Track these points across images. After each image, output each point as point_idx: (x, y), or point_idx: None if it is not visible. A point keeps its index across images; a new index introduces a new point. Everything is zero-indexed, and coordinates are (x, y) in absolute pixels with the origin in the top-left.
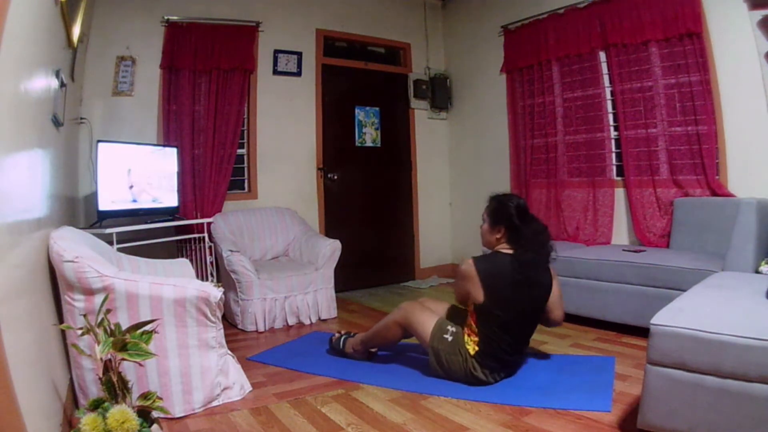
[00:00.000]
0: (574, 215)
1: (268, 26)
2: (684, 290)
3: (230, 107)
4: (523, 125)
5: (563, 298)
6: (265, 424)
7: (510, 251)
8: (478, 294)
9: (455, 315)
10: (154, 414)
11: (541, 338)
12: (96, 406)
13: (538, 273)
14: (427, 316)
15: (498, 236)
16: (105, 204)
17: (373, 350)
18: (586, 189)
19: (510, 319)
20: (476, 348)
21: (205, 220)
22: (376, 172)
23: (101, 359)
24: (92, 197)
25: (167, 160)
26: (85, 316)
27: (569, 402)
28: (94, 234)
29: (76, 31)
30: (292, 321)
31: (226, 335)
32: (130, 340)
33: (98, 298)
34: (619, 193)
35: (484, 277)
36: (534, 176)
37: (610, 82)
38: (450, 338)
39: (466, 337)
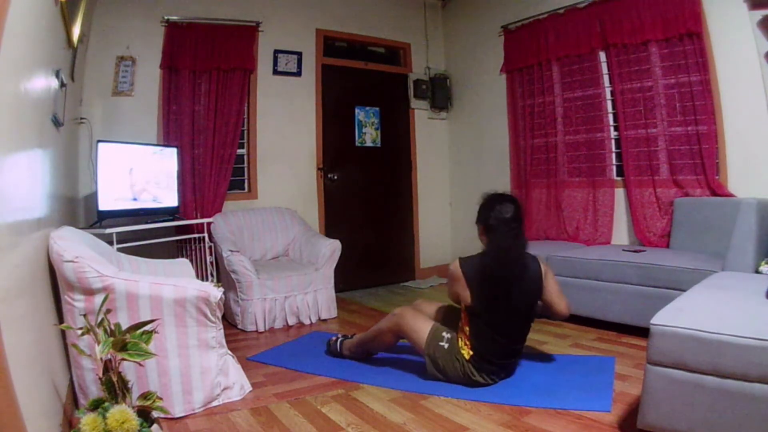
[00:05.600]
0: (574, 215)
1: (268, 26)
2: (684, 290)
3: (230, 107)
4: (523, 125)
5: (564, 293)
6: (265, 424)
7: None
8: (466, 296)
9: (450, 318)
10: (154, 414)
11: (541, 338)
12: (96, 406)
13: (523, 269)
14: (421, 323)
15: (480, 234)
16: (105, 204)
17: (369, 353)
18: (586, 189)
19: (500, 319)
20: (470, 352)
21: (205, 220)
22: (376, 172)
23: (101, 359)
24: (92, 197)
25: (167, 160)
26: (85, 316)
27: (569, 402)
28: (94, 234)
29: (76, 31)
30: (292, 321)
31: (226, 335)
32: (130, 340)
33: (98, 298)
34: (619, 193)
35: (470, 277)
36: (534, 176)
37: (610, 82)
38: (446, 345)
39: (460, 342)
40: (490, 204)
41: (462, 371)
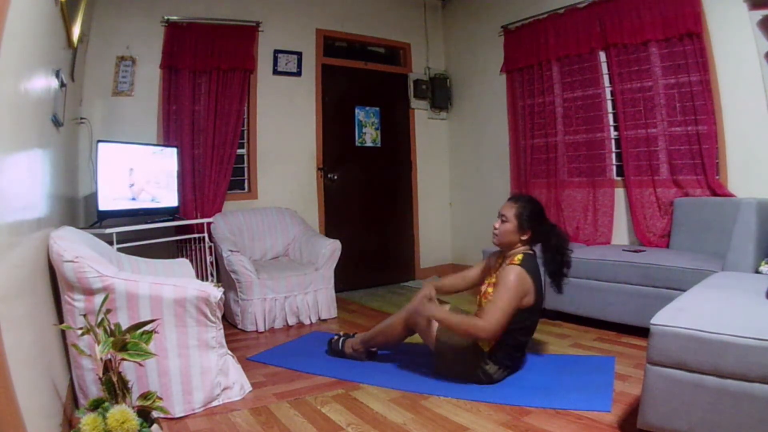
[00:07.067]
0: (574, 215)
1: (268, 26)
2: (684, 290)
3: (230, 107)
4: (523, 125)
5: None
6: (265, 424)
7: (530, 251)
8: (530, 298)
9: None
10: (154, 414)
11: (541, 338)
12: (96, 406)
13: None
14: None
15: (524, 238)
16: (105, 204)
17: (373, 350)
18: (586, 189)
19: (538, 318)
20: (491, 344)
21: (205, 220)
22: (376, 172)
23: (101, 359)
24: (92, 197)
25: (167, 160)
26: (85, 316)
27: (569, 402)
28: (94, 234)
29: (76, 31)
30: (292, 321)
31: (226, 335)
32: (130, 340)
33: (98, 298)
34: (619, 193)
35: (534, 280)
36: (534, 176)
37: (610, 82)
38: None
39: None
40: (535, 205)
41: (473, 361)
